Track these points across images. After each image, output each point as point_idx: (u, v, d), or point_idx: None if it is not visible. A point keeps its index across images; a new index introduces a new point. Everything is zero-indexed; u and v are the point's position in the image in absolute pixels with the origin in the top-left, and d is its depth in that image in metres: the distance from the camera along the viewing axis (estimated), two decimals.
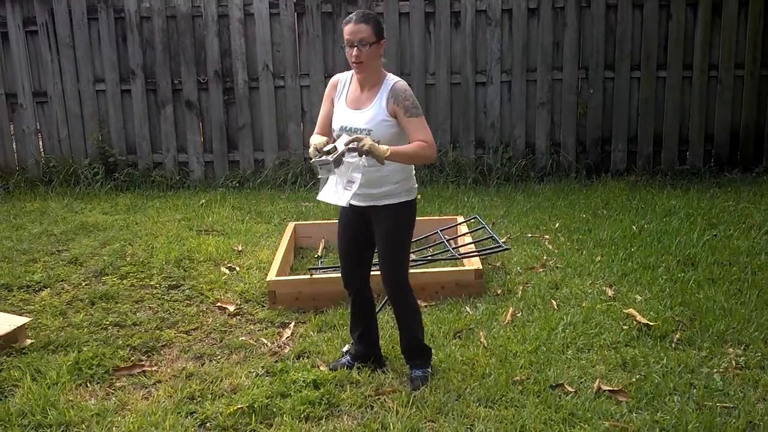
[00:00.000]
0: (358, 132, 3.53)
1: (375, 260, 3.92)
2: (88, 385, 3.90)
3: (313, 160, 3.39)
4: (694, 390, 3.69)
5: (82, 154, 8.25)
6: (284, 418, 3.51)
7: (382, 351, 4.07)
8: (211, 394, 3.76)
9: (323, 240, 6.10)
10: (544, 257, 5.66)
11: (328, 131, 3.72)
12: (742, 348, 4.12)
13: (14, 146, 8.36)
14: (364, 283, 3.93)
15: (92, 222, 6.79)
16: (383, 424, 3.45)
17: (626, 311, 4.57)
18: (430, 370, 3.90)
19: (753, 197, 7.17)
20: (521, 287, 5.08)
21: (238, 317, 4.78)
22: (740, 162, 8.26)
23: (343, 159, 3.35)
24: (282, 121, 8.28)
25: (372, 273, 3.96)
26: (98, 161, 8.17)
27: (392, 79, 3.63)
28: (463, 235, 5.85)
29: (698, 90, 8.15)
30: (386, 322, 4.52)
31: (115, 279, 5.38)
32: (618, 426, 3.40)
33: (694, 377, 3.81)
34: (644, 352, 4.07)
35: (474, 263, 5.11)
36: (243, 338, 4.44)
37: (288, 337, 4.46)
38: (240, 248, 6.03)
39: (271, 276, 4.94)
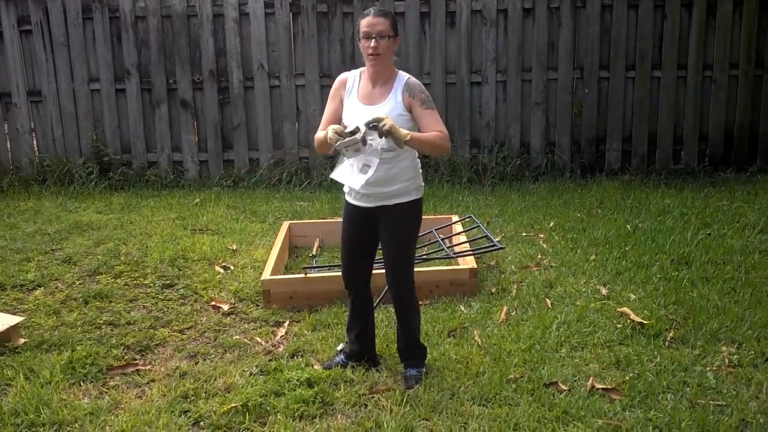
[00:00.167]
0: None
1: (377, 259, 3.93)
2: (82, 384, 3.89)
3: (338, 142, 3.38)
4: (688, 388, 3.69)
5: (77, 153, 8.24)
6: (278, 416, 3.51)
7: (376, 349, 4.06)
8: (205, 392, 3.75)
9: (318, 239, 6.10)
10: (539, 256, 5.66)
11: None
12: (735, 346, 4.13)
13: (8, 145, 8.34)
14: (366, 283, 3.93)
15: (86, 221, 6.77)
16: (377, 423, 3.45)
17: (620, 310, 4.57)
18: (424, 369, 3.90)
19: (747, 196, 7.18)
20: (516, 286, 5.09)
21: (233, 316, 4.78)
22: (734, 161, 8.28)
23: (367, 139, 3.36)
24: (277, 121, 8.28)
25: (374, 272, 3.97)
26: (92, 160, 8.16)
27: (405, 75, 3.68)
28: (458, 234, 5.85)
29: (693, 90, 8.17)
30: (381, 321, 4.52)
31: (109, 278, 5.37)
32: (611, 424, 3.41)
33: (687, 375, 3.81)
34: (638, 351, 4.07)
35: (468, 262, 5.11)
36: (237, 337, 4.44)
37: (282, 336, 4.45)
38: (234, 247, 6.02)
39: (266, 275, 4.93)
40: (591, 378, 3.79)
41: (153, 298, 5.04)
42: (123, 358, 4.19)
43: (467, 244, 5.58)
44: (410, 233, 3.77)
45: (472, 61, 8.17)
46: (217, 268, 5.56)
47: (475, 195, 7.59)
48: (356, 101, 3.66)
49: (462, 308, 4.75)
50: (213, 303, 4.95)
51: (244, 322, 4.68)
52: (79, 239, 6.26)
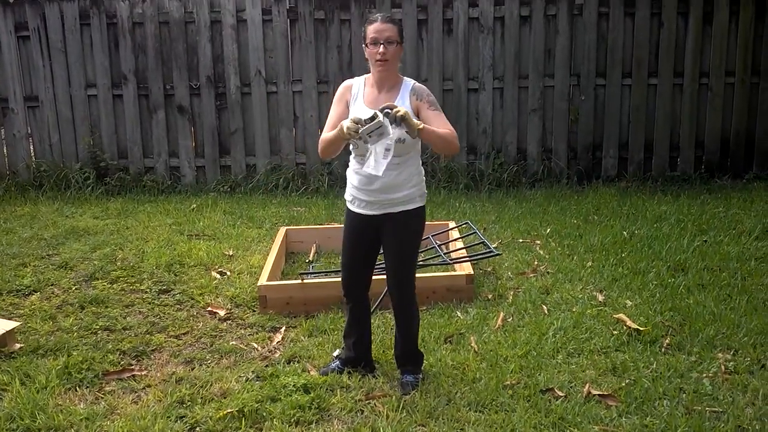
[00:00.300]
0: None
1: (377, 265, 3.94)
2: (78, 389, 3.88)
3: (361, 129, 3.37)
4: (684, 395, 3.70)
5: (73, 159, 8.23)
6: (274, 422, 3.50)
7: (373, 355, 4.06)
8: (201, 398, 3.75)
9: (315, 245, 6.10)
10: (535, 262, 5.67)
11: None
12: (731, 353, 4.13)
13: (5, 150, 8.34)
14: (366, 291, 3.93)
15: (83, 226, 6.77)
16: (374, 429, 3.45)
17: (616, 316, 4.58)
18: (421, 375, 3.90)
19: (743, 203, 7.20)
20: (512, 292, 5.09)
21: (229, 322, 4.77)
22: (730, 168, 8.30)
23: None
24: (274, 127, 8.28)
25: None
26: (89, 166, 8.16)
27: (410, 80, 3.73)
28: (455, 240, 5.86)
29: (689, 97, 8.19)
30: (377, 326, 4.51)
31: (105, 283, 5.37)
32: (607, 430, 3.41)
33: (683, 382, 3.82)
34: (634, 357, 4.08)
35: (465, 268, 5.12)
36: (233, 343, 4.43)
37: (278, 341, 4.45)
38: (231, 253, 6.02)
39: (262, 281, 4.93)
40: (587, 384, 3.79)
41: (149, 303, 5.04)
42: (119, 363, 4.18)
43: (464, 251, 5.58)
44: (415, 241, 3.78)
45: (469, 68, 8.19)
46: (214, 274, 5.55)
47: (472, 201, 7.60)
48: (363, 106, 3.67)
49: (459, 314, 4.75)
50: (209, 308, 4.94)
51: (241, 328, 4.68)
52: (76, 244, 6.25)
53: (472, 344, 4.28)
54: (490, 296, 5.03)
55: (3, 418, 3.55)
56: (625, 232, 6.32)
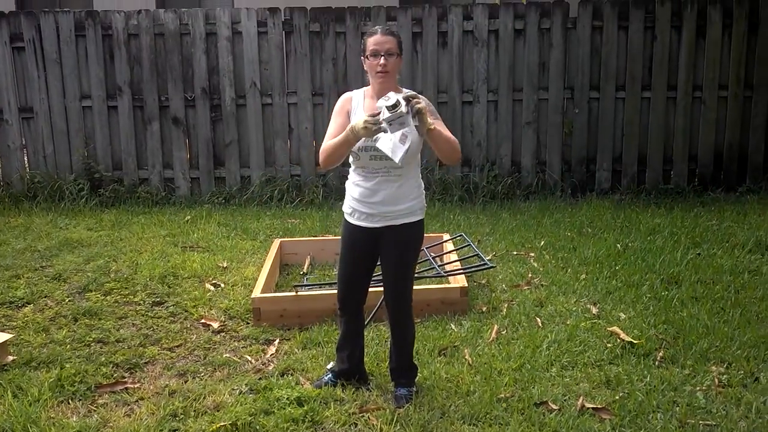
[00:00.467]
0: None
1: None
2: (70, 402, 3.86)
3: (383, 117, 3.33)
4: (677, 408, 3.70)
5: (68, 170, 8.22)
6: None
7: (366, 368, 4.06)
8: (194, 411, 3.73)
9: (309, 257, 6.09)
10: (529, 275, 5.67)
11: None
12: (724, 366, 4.14)
13: None
14: (362, 304, 3.92)
15: (76, 238, 6.75)
16: None
17: (610, 329, 4.58)
18: (414, 388, 3.89)
19: (736, 216, 7.22)
20: (506, 305, 5.09)
21: (222, 334, 4.76)
22: (724, 181, 8.34)
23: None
24: (269, 138, 8.29)
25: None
26: (83, 177, 8.14)
27: (409, 91, 3.69)
28: (449, 252, 5.86)
29: (682, 110, 8.23)
30: (371, 339, 4.51)
31: (98, 295, 5.35)
32: None
33: (677, 395, 3.82)
34: (628, 370, 4.08)
35: (459, 281, 5.12)
36: (227, 355, 4.42)
37: (272, 354, 4.44)
38: (225, 265, 6.01)
39: (256, 293, 4.92)
40: (581, 397, 3.79)
41: (143, 315, 5.02)
42: (112, 376, 4.17)
43: (458, 263, 5.59)
44: (414, 254, 3.79)
45: (463, 81, 8.22)
46: (208, 286, 5.54)
47: (466, 214, 7.61)
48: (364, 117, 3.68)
49: (453, 327, 4.75)
50: (203, 321, 4.93)
51: (234, 340, 4.67)
52: (69, 256, 6.24)
53: (466, 357, 4.28)
54: (484, 309, 5.03)
55: None
56: (618, 245, 6.33)
